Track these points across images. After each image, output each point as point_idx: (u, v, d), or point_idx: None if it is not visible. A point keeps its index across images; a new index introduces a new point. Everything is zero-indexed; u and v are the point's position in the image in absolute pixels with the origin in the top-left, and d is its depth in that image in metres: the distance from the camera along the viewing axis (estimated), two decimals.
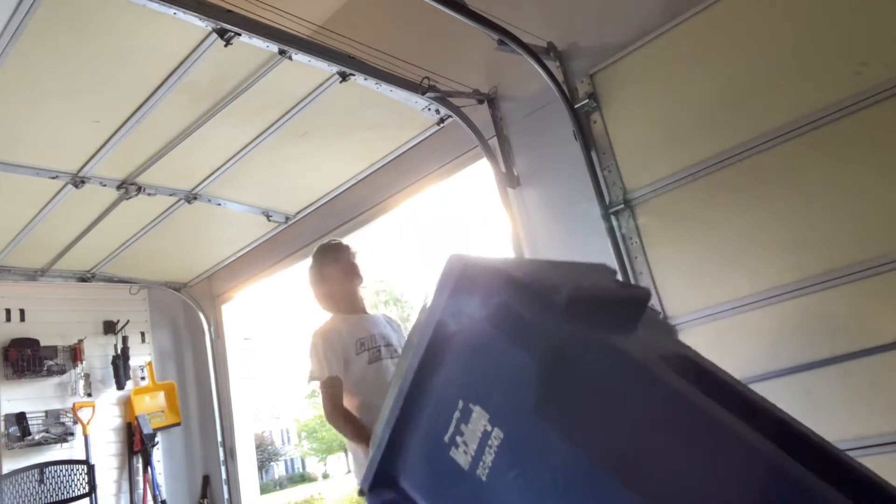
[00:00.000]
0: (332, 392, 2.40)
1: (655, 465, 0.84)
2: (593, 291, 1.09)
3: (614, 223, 2.73)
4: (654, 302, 2.60)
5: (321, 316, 2.78)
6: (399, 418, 1.04)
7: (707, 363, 1.13)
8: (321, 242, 2.95)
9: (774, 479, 0.80)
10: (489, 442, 0.92)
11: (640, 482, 0.81)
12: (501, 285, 0.98)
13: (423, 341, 1.03)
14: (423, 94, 2.82)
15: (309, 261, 2.89)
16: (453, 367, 1.01)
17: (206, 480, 5.01)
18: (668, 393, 0.90)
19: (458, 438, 0.96)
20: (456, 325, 1.01)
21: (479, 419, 0.94)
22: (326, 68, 2.67)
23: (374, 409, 2.40)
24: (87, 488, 4.26)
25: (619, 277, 1.26)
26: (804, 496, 0.78)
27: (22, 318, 4.51)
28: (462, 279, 1.01)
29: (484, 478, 0.92)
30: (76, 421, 4.47)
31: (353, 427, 2.33)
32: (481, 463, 0.93)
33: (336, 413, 2.37)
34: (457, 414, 0.97)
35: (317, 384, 2.52)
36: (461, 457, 0.95)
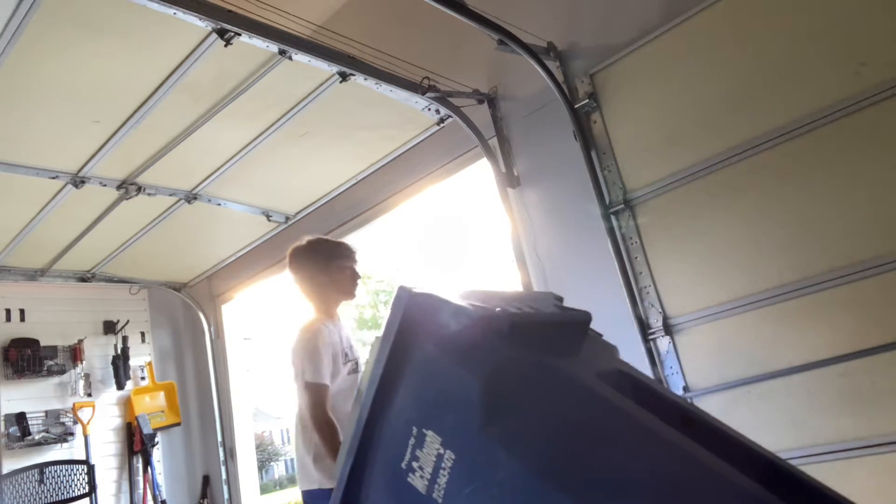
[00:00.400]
0: (323, 400, 2.38)
1: (589, 469, 0.90)
2: (534, 317, 1.16)
3: (614, 223, 2.73)
4: (654, 301, 2.60)
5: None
6: (359, 449, 1.08)
7: (642, 377, 1.21)
8: (339, 238, 2.76)
9: (694, 474, 0.87)
10: (442, 464, 0.97)
11: (575, 485, 0.88)
12: (448, 315, 1.04)
13: (377, 372, 1.08)
14: (423, 94, 2.82)
15: (312, 239, 2.68)
16: (407, 396, 1.06)
17: (206, 480, 5.02)
18: (601, 404, 0.98)
19: (415, 464, 1.01)
20: (406, 354, 1.06)
21: (433, 443, 0.99)
22: (326, 68, 2.68)
23: (343, 416, 2.39)
24: (87, 488, 4.25)
25: (564, 303, 1.33)
26: (716, 484, 0.85)
27: (22, 318, 4.51)
28: (411, 310, 1.07)
29: (440, 500, 0.96)
30: (76, 421, 4.47)
31: (335, 442, 2.30)
32: (436, 486, 0.97)
33: (325, 421, 2.34)
34: (412, 440, 1.01)
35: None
36: (418, 481, 1.00)
